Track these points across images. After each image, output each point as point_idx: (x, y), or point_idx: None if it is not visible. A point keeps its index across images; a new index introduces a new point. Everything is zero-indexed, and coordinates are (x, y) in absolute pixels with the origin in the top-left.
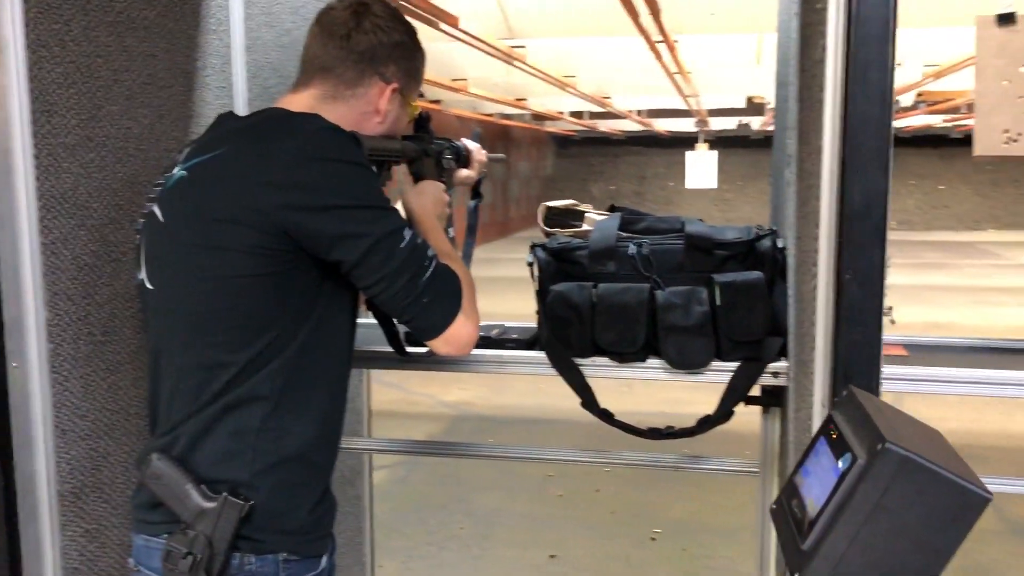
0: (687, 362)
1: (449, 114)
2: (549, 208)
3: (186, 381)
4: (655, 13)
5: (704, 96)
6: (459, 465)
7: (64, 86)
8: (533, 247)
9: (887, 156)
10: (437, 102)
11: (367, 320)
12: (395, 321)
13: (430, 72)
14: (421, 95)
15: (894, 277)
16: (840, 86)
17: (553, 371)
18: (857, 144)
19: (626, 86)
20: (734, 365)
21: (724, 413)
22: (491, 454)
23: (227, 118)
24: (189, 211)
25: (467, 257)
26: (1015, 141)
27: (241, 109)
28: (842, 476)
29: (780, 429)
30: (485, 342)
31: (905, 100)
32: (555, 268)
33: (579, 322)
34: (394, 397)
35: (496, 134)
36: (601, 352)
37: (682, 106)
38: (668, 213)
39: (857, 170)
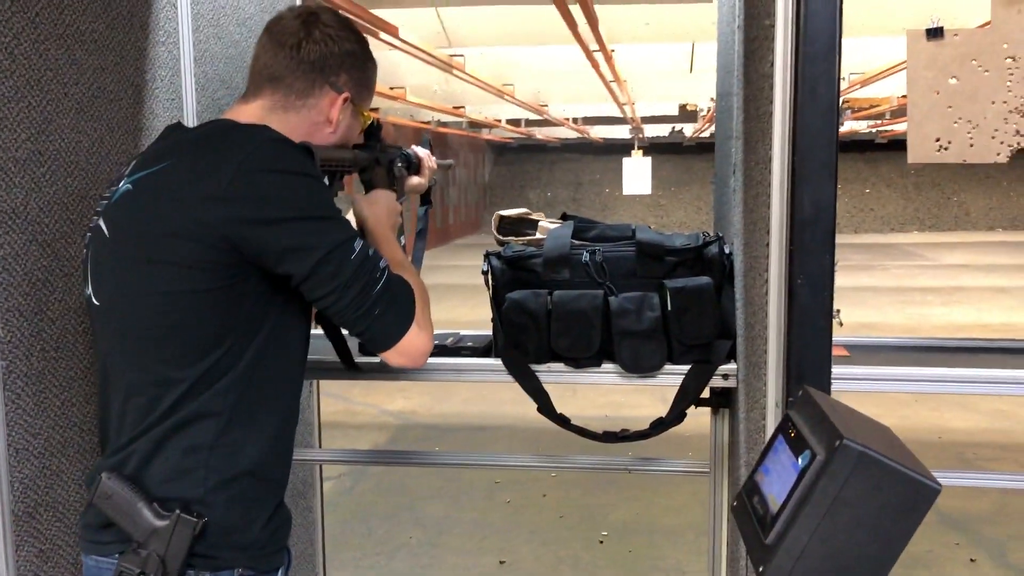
0: (640, 366)
1: (385, 122)
2: (502, 217)
3: (136, 398)
4: (593, 23)
5: (639, 104)
6: (406, 474)
7: (14, 100)
8: (487, 255)
9: (834, 166)
10: (375, 110)
11: (318, 331)
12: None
13: None
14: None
15: None
16: (789, 99)
17: (509, 378)
18: (806, 154)
19: (563, 94)
20: (686, 368)
21: (677, 415)
22: (443, 462)
23: (174, 130)
24: (134, 225)
25: (417, 263)
26: (946, 149)
27: (190, 121)
28: (802, 472)
29: (729, 429)
30: (441, 351)
31: None
32: (510, 276)
33: (535, 329)
34: (337, 408)
35: (434, 142)
36: (557, 358)
37: (617, 114)
38: (604, 219)
39: (807, 179)
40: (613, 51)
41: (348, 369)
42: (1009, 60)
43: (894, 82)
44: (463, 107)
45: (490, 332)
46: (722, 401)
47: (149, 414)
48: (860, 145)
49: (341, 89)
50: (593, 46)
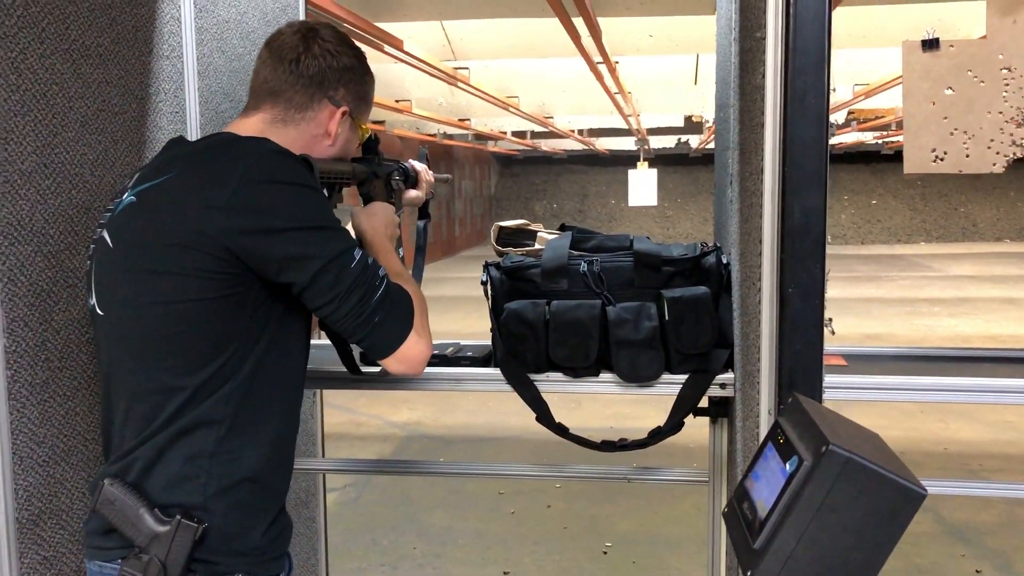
0: (638, 375)
1: (391, 135)
2: (501, 228)
3: (138, 406)
4: (596, 35)
5: (644, 115)
6: (410, 485)
7: (20, 113)
8: (487, 266)
9: (824, 176)
10: (380, 123)
11: (321, 341)
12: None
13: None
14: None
15: (829, 290)
16: (780, 110)
17: (508, 387)
18: (796, 165)
19: (568, 106)
20: (683, 377)
21: (675, 424)
22: (442, 471)
23: (177, 143)
24: (137, 236)
25: (417, 276)
26: (942, 159)
27: (194, 134)
28: (790, 478)
29: (728, 438)
30: (441, 360)
31: (837, 118)
32: (509, 286)
33: (533, 338)
34: (342, 419)
35: (439, 154)
36: (555, 367)
37: (623, 125)
38: (610, 231)
39: (797, 189)
40: (617, 63)
41: (353, 375)
42: (1005, 71)
43: (900, 93)
44: (468, 119)
45: (491, 342)
46: (720, 411)
47: (151, 422)
48: (866, 156)
49: (339, 103)
50: (597, 58)
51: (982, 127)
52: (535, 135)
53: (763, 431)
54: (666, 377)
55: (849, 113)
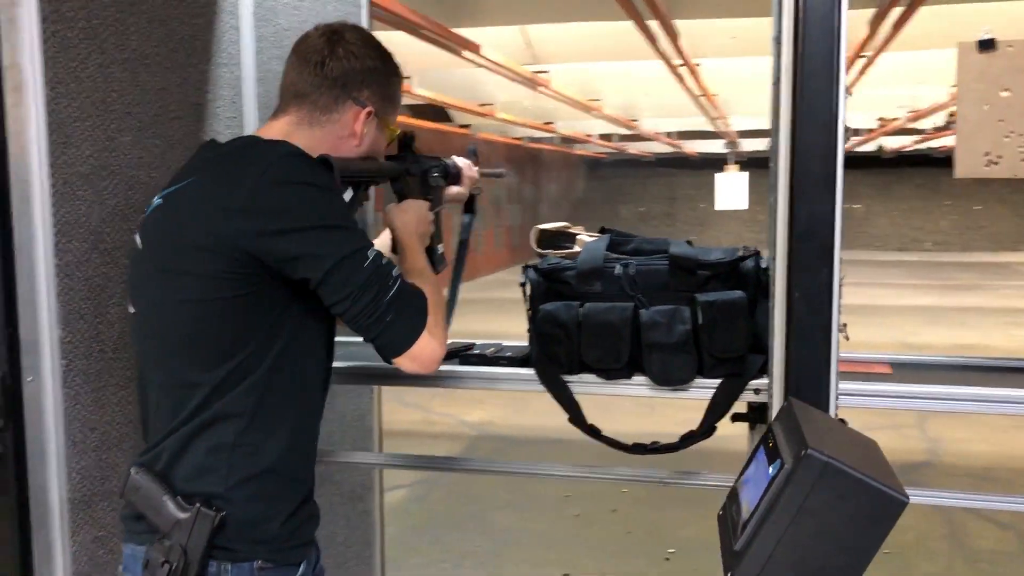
0: (670, 378)
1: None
2: (541, 231)
3: (166, 400)
4: (672, 37)
5: (733, 118)
6: (477, 485)
7: (80, 119)
8: (526, 268)
9: (834, 181)
10: (466, 126)
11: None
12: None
13: (457, 97)
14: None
15: (921, 298)
16: (788, 115)
17: (542, 388)
18: (804, 170)
19: (653, 108)
20: (716, 382)
21: (707, 429)
22: (494, 469)
23: (206, 147)
24: (162, 238)
25: (459, 269)
26: (995, 164)
27: None
28: (771, 481)
29: None
30: (480, 359)
31: (936, 120)
32: (545, 288)
33: (566, 340)
34: (416, 417)
35: (525, 157)
36: (587, 369)
37: (710, 128)
38: (700, 235)
39: (803, 194)
40: (698, 65)
41: (385, 374)
42: None
43: None
44: (553, 123)
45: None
46: (759, 416)
47: (177, 415)
48: None
49: (364, 104)
50: (676, 60)
51: None
52: (622, 138)
53: None
54: (699, 381)
55: (949, 115)
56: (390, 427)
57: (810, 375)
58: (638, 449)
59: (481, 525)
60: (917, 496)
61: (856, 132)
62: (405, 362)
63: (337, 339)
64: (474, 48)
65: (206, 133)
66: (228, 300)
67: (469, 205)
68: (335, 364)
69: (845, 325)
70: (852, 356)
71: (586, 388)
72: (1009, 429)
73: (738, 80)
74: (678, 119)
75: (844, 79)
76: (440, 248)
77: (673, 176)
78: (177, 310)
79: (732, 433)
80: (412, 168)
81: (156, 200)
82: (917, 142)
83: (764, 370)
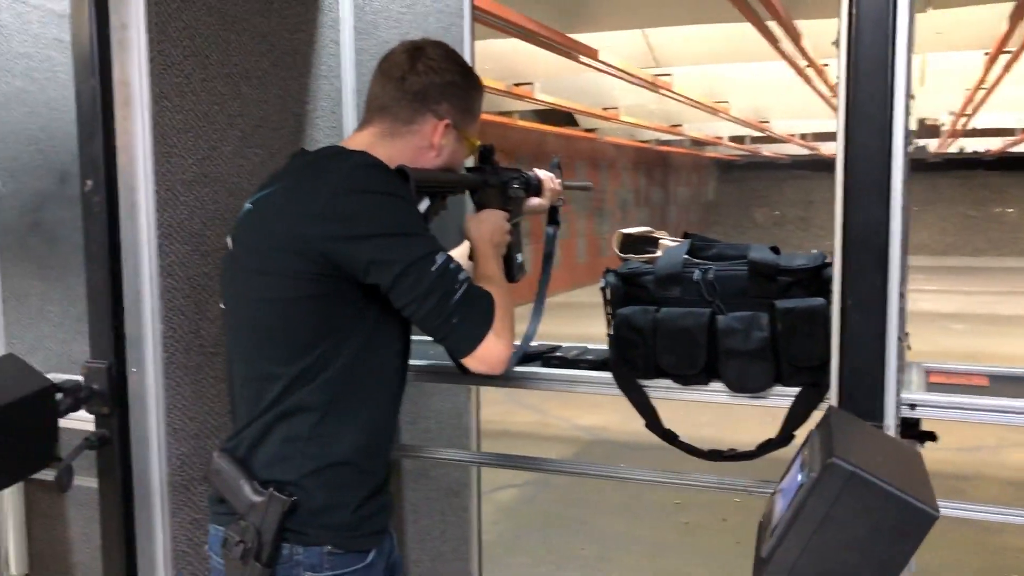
0: (746, 386)
1: (604, 142)
2: (624, 235)
3: (248, 391)
4: (794, 38)
5: None
6: (587, 489)
7: (183, 131)
8: (606, 272)
9: (887, 186)
10: (592, 131)
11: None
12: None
13: (581, 103)
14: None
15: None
16: (843, 120)
17: (619, 392)
18: (857, 175)
19: (783, 110)
20: (795, 390)
21: (784, 437)
22: (588, 472)
23: (296, 155)
24: (250, 240)
25: (544, 280)
26: None
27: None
28: (799, 489)
29: None
30: (562, 362)
31: None
32: (624, 292)
33: (642, 344)
34: (532, 419)
35: (655, 160)
36: (663, 374)
37: None
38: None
39: (856, 200)
40: (826, 65)
41: (462, 374)
42: None
43: None
44: (680, 125)
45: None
46: None
47: (257, 405)
48: None
49: (443, 116)
50: (802, 61)
51: None
52: (755, 140)
53: None
54: (776, 389)
55: None
56: (506, 428)
57: (862, 384)
58: (715, 456)
59: (589, 528)
60: (948, 509)
61: (1011, 132)
62: (472, 363)
63: (425, 339)
64: (592, 53)
65: (306, 143)
66: (307, 299)
67: (552, 217)
68: (423, 362)
69: (907, 334)
70: (946, 367)
71: (662, 393)
72: None
73: None
74: (811, 120)
75: (904, 83)
76: (519, 257)
77: (809, 179)
78: (260, 307)
79: None
80: (491, 179)
81: (247, 205)
82: None
83: None
